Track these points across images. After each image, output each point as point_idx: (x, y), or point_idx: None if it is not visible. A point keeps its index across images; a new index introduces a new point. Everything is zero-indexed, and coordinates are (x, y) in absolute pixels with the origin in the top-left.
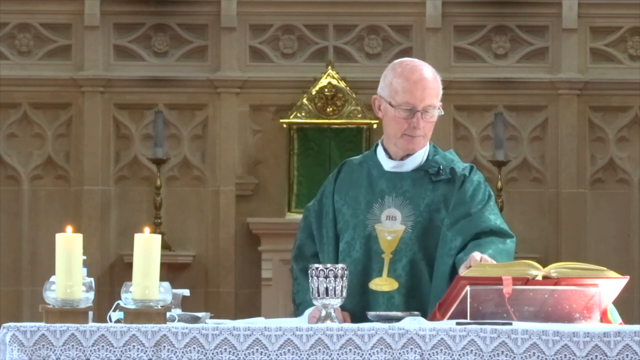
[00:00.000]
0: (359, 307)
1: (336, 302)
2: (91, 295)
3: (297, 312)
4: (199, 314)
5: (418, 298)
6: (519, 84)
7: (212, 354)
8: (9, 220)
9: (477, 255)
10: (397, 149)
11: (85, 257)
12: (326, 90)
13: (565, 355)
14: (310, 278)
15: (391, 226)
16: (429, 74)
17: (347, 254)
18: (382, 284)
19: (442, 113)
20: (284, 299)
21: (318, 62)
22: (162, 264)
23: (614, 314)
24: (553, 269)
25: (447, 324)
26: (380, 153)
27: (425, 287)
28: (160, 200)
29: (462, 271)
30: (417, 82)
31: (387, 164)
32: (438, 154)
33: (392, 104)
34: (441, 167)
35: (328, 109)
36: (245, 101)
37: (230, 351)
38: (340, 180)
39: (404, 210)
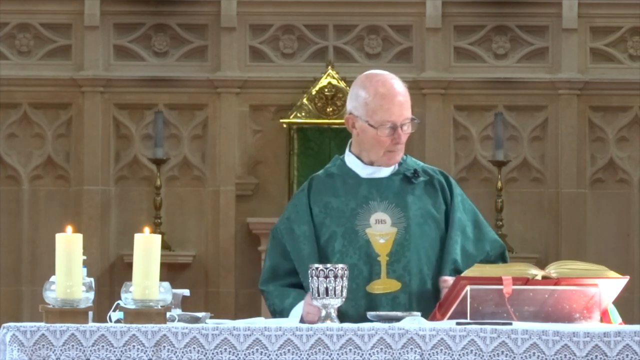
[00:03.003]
0: (362, 310)
1: (336, 302)
2: (91, 295)
3: (285, 317)
4: (199, 314)
5: (424, 296)
6: (519, 84)
7: (212, 354)
8: (9, 220)
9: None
10: (374, 160)
11: (85, 257)
12: (326, 90)
13: (565, 355)
14: (310, 278)
15: (382, 229)
16: (400, 87)
17: (342, 262)
18: (382, 286)
19: (419, 121)
20: None
21: (318, 62)
22: (162, 264)
23: (614, 314)
24: (553, 269)
25: (447, 324)
26: (353, 162)
27: (430, 285)
28: (160, 200)
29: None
30: (393, 98)
31: (364, 171)
32: (407, 158)
33: (372, 124)
34: (417, 169)
35: (328, 109)
36: (245, 101)
37: (230, 351)
38: (314, 194)
39: (392, 213)
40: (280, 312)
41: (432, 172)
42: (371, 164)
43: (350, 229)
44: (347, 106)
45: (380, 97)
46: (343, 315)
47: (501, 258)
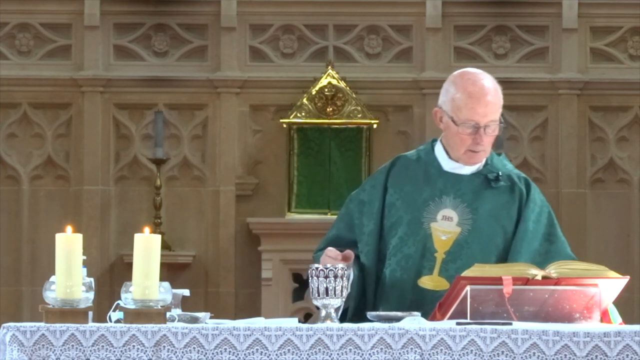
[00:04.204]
0: (407, 302)
1: (336, 302)
2: (91, 295)
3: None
4: (199, 314)
5: None
6: (519, 84)
7: (212, 354)
8: (9, 220)
9: None
10: (456, 157)
11: (85, 257)
12: (326, 90)
13: (565, 355)
14: (310, 278)
15: (447, 227)
16: (490, 87)
17: (398, 249)
18: (431, 282)
19: (505, 125)
20: (284, 299)
21: (318, 62)
22: (162, 264)
23: (614, 314)
24: (553, 269)
25: (447, 324)
26: (440, 152)
27: None
28: (160, 200)
29: None
30: (480, 99)
31: (447, 165)
32: (494, 159)
33: (455, 121)
34: (500, 173)
35: (328, 109)
36: (245, 101)
37: (230, 351)
38: (394, 174)
39: (461, 212)
40: (315, 257)
41: (517, 179)
42: (456, 160)
43: (417, 219)
44: (439, 100)
45: (468, 96)
46: (387, 303)
47: None
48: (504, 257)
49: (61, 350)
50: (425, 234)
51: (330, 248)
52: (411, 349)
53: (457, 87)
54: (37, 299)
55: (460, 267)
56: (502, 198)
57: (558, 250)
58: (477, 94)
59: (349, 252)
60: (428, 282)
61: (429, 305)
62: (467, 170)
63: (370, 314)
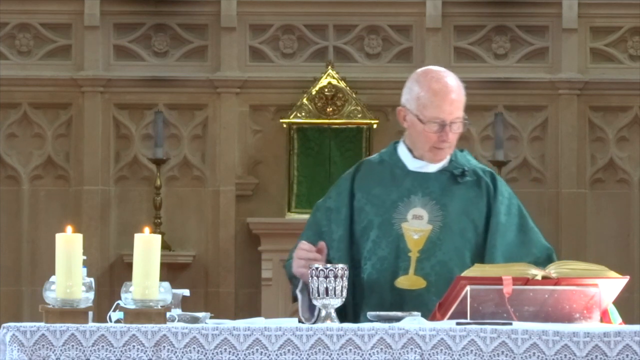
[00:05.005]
0: (387, 304)
1: (336, 302)
2: (91, 295)
3: (289, 271)
4: (199, 314)
5: None
6: (519, 84)
7: (212, 354)
8: (9, 220)
9: None
10: (421, 155)
11: (85, 257)
12: (326, 90)
13: (565, 355)
14: (310, 278)
15: (418, 225)
16: (454, 85)
17: (373, 252)
18: (408, 282)
19: (470, 123)
20: (284, 299)
21: (318, 62)
22: (162, 264)
23: (614, 314)
24: (553, 269)
25: (447, 324)
26: (403, 152)
27: None
28: (160, 200)
29: None
30: (445, 96)
31: (412, 164)
32: (458, 155)
33: (421, 119)
34: (466, 168)
35: (328, 109)
36: (245, 101)
37: (230, 351)
38: (359, 179)
39: (431, 210)
40: (291, 278)
41: (482, 174)
42: (420, 158)
43: (387, 220)
44: (401, 99)
45: (433, 94)
46: (367, 306)
47: (548, 261)
48: (477, 251)
49: (61, 350)
50: (397, 235)
51: (303, 241)
52: (411, 349)
53: (421, 85)
54: (37, 299)
55: (436, 265)
56: (470, 193)
57: (532, 240)
58: (442, 92)
59: (322, 244)
60: (405, 282)
61: (409, 304)
62: (432, 168)
63: (370, 314)
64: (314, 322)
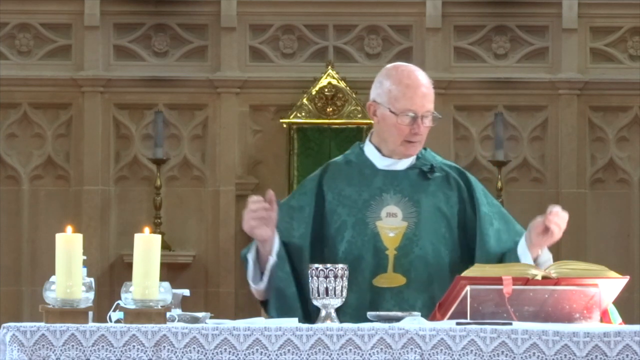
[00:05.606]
0: (366, 303)
1: (336, 302)
2: (91, 295)
3: (246, 261)
4: (199, 314)
5: (429, 292)
6: (519, 84)
7: (212, 354)
8: (9, 220)
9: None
10: (393, 151)
11: (85, 257)
12: (326, 90)
13: (565, 355)
14: (310, 278)
15: (393, 223)
16: (424, 79)
17: (349, 252)
18: (387, 280)
19: (440, 117)
20: None
21: (318, 62)
22: (162, 264)
23: (614, 314)
24: (553, 269)
25: (447, 324)
26: (371, 152)
27: (435, 281)
28: (160, 200)
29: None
30: (417, 89)
31: (381, 162)
32: (425, 152)
33: (394, 112)
34: (433, 164)
35: (328, 109)
36: (245, 101)
37: (230, 351)
38: (328, 180)
39: (404, 207)
40: (244, 256)
41: (449, 169)
42: (389, 155)
43: (361, 220)
44: (370, 94)
45: (405, 86)
46: (346, 306)
47: None
48: (452, 247)
49: (61, 350)
50: (372, 234)
51: (252, 195)
52: (411, 349)
53: (392, 79)
54: (37, 299)
55: (414, 260)
56: (440, 188)
57: (512, 226)
58: (413, 85)
59: (271, 193)
60: (383, 280)
61: (389, 302)
62: (401, 165)
63: (370, 314)
64: (265, 288)
